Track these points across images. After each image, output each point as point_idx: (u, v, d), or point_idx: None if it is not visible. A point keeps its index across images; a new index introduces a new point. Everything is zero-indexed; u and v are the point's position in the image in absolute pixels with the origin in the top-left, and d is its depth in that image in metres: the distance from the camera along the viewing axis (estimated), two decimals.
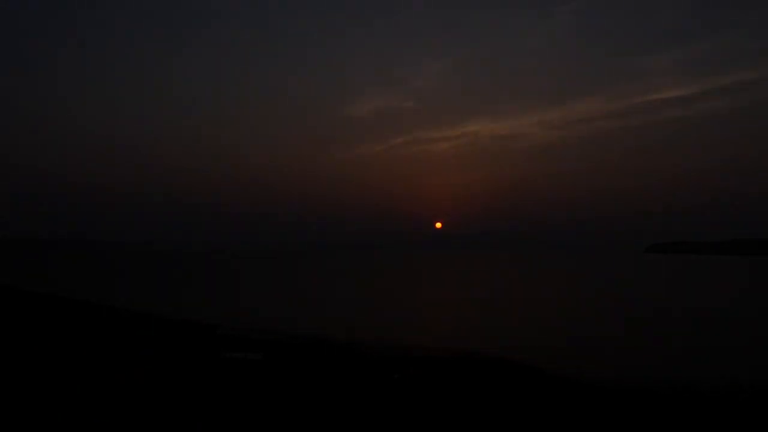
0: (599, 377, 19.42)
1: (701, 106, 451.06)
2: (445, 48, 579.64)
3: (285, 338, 25.13)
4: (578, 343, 27.81)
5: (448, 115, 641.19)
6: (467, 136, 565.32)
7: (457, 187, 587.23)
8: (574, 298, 54.09)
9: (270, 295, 52.82)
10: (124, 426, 10.17)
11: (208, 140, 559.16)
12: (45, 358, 15.84)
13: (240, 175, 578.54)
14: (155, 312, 33.19)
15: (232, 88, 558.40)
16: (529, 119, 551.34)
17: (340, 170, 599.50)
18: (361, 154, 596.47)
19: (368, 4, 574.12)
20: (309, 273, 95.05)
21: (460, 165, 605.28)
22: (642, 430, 12.91)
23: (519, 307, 45.01)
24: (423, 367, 18.76)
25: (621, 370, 21.09)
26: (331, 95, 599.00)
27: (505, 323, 34.96)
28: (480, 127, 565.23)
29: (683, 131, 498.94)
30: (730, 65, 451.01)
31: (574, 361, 22.71)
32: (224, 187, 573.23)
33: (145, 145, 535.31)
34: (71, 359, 15.90)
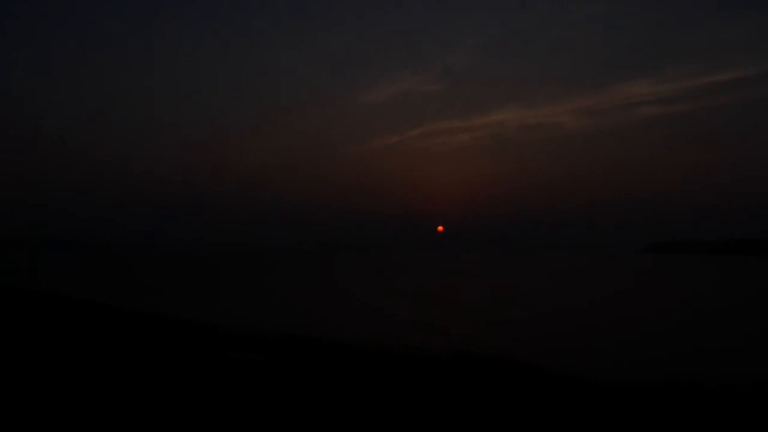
0: (600, 376, 19.41)
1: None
2: (477, 22, 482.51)
3: (285, 338, 25.08)
4: (578, 342, 27.81)
5: (473, 102, 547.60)
6: (492, 126, 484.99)
7: (468, 187, 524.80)
8: (573, 297, 54.05)
9: (270, 295, 52.80)
10: (123, 426, 10.16)
11: (202, 135, 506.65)
12: (45, 358, 15.81)
13: (239, 172, 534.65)
14: (155, 312, 33.15)
15: (228, 72, 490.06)
16: (564, 106, 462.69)
17: (349, 165, 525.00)
18: (373, 147, 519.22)
19: None
20: (309, 273, 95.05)
21: (478, 160, 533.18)
22: (643, 429, 12.89)
23: (518, 307, 44.98)
24: (423, 367, 18.73)
25: (622, 369, 21.09)
26: (345, 80, 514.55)
27: (504, 323, 34.94)
28: (507, 116, 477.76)
29: (737, 118, 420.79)
30: None
31: (574, 360, 22.71)
32: (221, 186, 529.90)
33: (141, 141, 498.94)
34: (71, 359, 15.87)
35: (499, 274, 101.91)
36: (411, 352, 22.43)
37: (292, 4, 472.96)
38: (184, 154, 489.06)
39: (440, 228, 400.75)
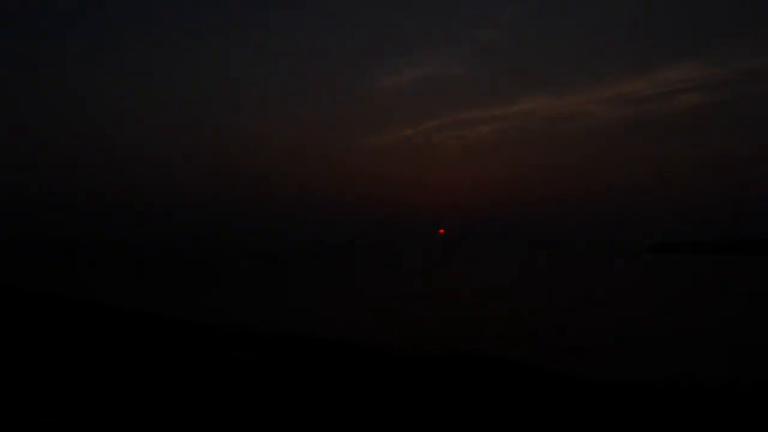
0: (600, 376, 19.40)
1: None
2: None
3: (285, 338, 25.09)
4: (578, 342, 27.80)
5: (498, 88, 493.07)
6: (515, 117, 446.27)
7: (481, 185, 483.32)
8: (574, 297, 54.04)
9: (270, 295, 52.79)
10: (123, 426, 10.16)
11: (197, 131, 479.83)
12: (45, 358, 15.82)
13: (239, 169, 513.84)
14: (155, 312, 33.16)
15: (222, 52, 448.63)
16: (599, 93, 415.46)
17: (356, 162, 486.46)
18: (386, 141, 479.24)
19: None
20: (308, 273, 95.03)
21: (496, 156, 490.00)
22: (643, 429, 12.87)
23: (519, 307, 44.97)
24: (423, 367, 18.72)
25: (622, 369, 21.08)
26: (364, 61, 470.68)
27: (505, 323, 34.93)
28: (535, 105, 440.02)
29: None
30: None
31: (574, 360, 22.70)
32: (221, 185, 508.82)
33: (140, 138, 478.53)
34: (71, 359, 15.88)
35: (500, 274, 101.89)
36: (411, 352, 22.42)
37: None
38: (183, 149, 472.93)
39: (441, 230, 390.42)
